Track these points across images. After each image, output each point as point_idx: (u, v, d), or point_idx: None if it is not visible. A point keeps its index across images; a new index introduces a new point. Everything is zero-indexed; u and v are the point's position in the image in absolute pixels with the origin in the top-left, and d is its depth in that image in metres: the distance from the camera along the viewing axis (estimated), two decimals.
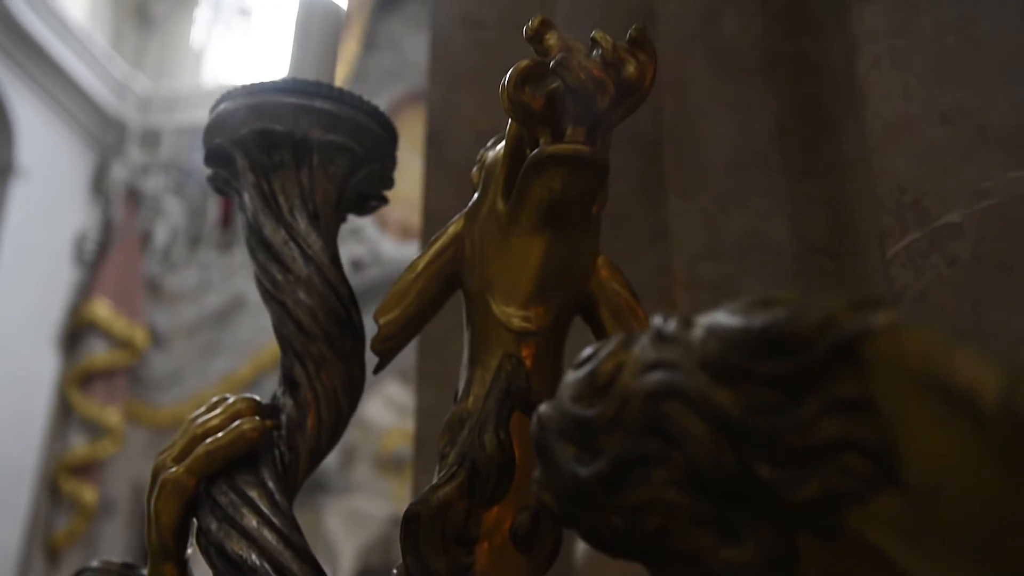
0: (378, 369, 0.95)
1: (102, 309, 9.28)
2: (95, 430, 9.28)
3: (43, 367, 9.17)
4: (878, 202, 0.93)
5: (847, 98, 1.24)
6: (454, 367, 1.50)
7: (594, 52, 0.81)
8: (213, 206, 9.36)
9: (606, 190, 0.87)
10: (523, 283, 0.86)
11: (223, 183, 1.04)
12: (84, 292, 9.49)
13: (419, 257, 0.93)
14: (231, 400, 0.95)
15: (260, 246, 0.98)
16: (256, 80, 1.01)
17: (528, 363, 0.87)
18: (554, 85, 0.80)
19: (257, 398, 0.96)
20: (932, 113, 0.94)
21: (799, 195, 1.30)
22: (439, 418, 1.48)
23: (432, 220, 1.58)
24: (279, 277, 0.96)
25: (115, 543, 9.30)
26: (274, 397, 0.98)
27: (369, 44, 9.33)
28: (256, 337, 9.04)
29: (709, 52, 1.39)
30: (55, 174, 9.20)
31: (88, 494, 9.15)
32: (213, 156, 1.02)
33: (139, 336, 9.40)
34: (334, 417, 0.97)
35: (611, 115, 0.81)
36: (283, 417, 0.95)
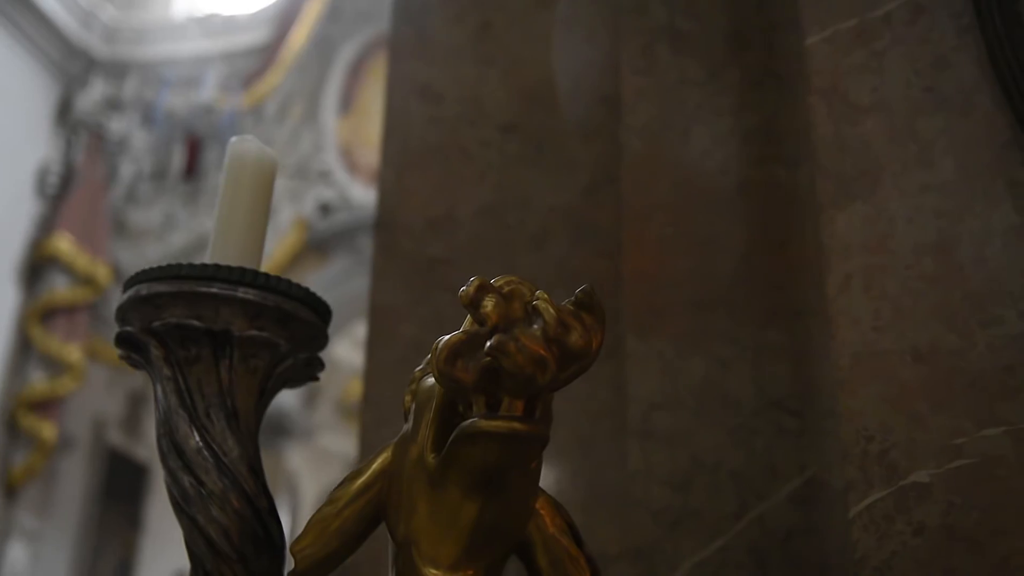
0: None
1: (64, 244, 9.11)
2: (55, 366, 9.17)
3: (3, 300, 9.01)
4: (843, 448, 0.86)
5: (817, 240, 1.16)
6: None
7: (535, 324, 0.73)
8: (179, 147, 9.17)
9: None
10: (451, 546, 0.79)
11: (137, 364, 0.96)
12: (46, 226, 9.30)
13: (342, 487, 0.86)
14: None
15: (172, 451, 0.90)
16: (172, 263, 0.92)
17: None
18: (489, 359, 0.72)
19: None
20: (904, 349, 0.87)
21: (763, 343, 1.22)
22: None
23: (379, 315, 1.50)
24: (191, 491, 0.88)
25: (74, 479, 9.28)
26: None
27: None
28: None
29: (676, 172, 1.31)
30: (17, 103, 8.97)
31: (47, 430, 9.05)
32: (125, 341, 0.93)
33: (102, 273, 9.24)
34: None
35: (552, 387, 0.73)
36: None
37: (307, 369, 0.98)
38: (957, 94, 0.94)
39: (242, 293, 0.91)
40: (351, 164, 9.07)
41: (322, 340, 0.99)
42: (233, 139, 1.04)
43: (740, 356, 1.22)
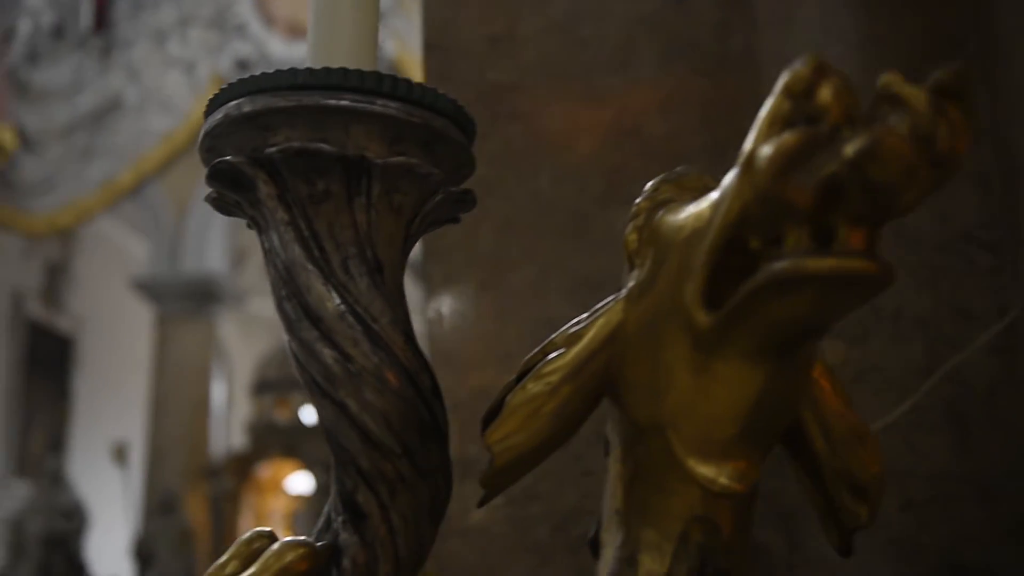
0: (483, 502, 0.68)
1: None
2: None
3: None
4: None
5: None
6: (468, 273, 1.23)
7: (892, 117, 0.50)
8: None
9: None
10: (725, 428, 0.59)
11: (234, 207, 0.72)
12: None
13: (553, 360, 0.64)
14: (275, 548, 0.67)
15: (303, 318, 0.67)
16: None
17: (726, 531, 0.62)
18: (832, 171, 0.50)
19: (309, 542, 0.68)
20: None
21: None
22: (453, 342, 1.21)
23: None
24: (335, 368, 0.66)
25: None
26: (324, 529, 0.69)
27: None
28: (138, 141, 8.50)
29: None
30: None
31: None
32: (221, 176, 0.69)
33: (6, 137, 8.71)
34: (415, 554, 0.69)
35: (911, 207, 0.52)
36: (346, 562, 0.67)
37: (457, 205, 0.75)
38: None
39: (381, 107, 0.67)
40: (268, 16, 8.57)
41: (469, 167, 0.75)
42: None
43: None
